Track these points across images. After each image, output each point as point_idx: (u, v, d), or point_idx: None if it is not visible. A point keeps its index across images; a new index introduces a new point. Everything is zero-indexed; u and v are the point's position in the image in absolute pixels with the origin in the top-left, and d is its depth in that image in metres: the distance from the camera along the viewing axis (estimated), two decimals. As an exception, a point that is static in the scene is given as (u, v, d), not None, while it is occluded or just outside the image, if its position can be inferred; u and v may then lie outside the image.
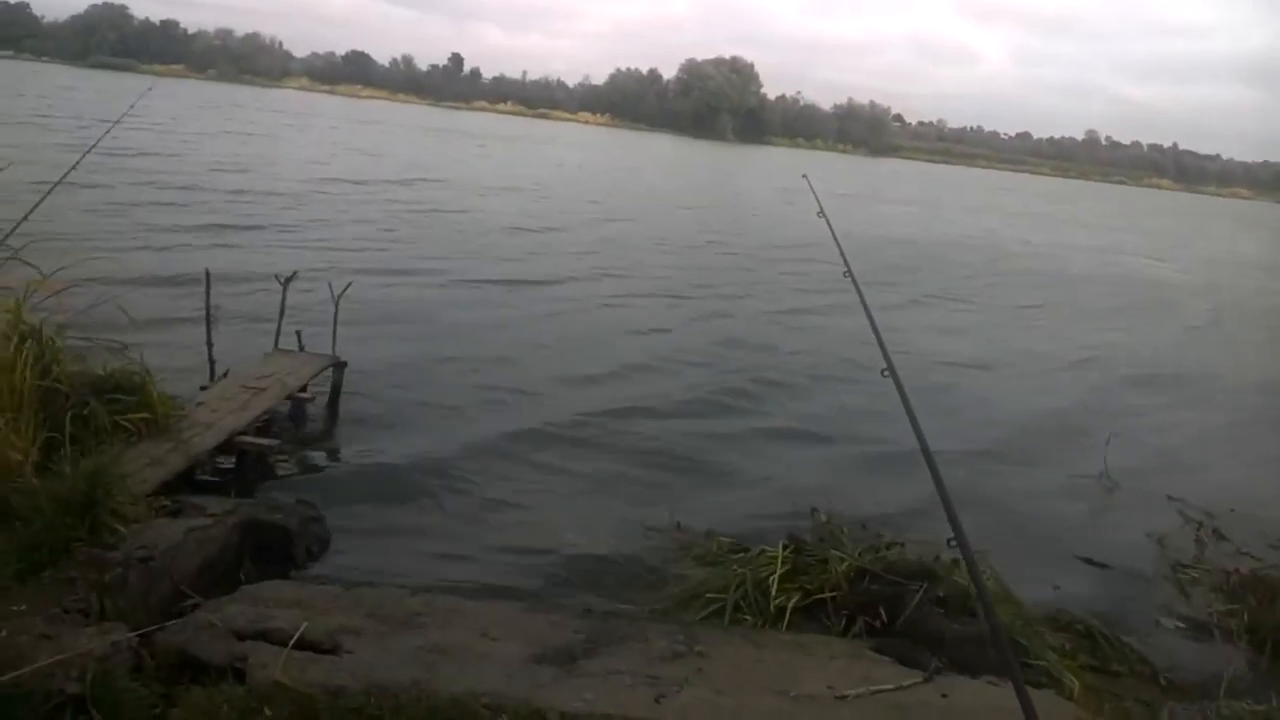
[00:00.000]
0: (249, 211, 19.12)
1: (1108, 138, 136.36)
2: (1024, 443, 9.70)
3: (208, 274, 7.96)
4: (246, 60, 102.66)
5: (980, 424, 10.15)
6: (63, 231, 13.40)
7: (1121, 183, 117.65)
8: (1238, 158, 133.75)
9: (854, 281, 4.15)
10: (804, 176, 6.64)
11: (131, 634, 3.78)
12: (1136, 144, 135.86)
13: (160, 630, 3.96)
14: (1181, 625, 5.99)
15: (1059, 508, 7.98)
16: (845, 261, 4.35)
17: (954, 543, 2.46)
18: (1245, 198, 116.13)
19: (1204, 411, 12.15)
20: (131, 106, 7.17)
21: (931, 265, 23.26)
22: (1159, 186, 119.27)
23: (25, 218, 5.32)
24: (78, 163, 6.04)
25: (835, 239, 4.83)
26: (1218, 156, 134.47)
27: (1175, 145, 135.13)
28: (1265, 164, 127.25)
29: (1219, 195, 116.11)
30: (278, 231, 17.13)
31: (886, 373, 3.35)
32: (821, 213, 5.01)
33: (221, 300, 9.80)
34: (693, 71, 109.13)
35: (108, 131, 6.22)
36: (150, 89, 8.87)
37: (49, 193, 5.62)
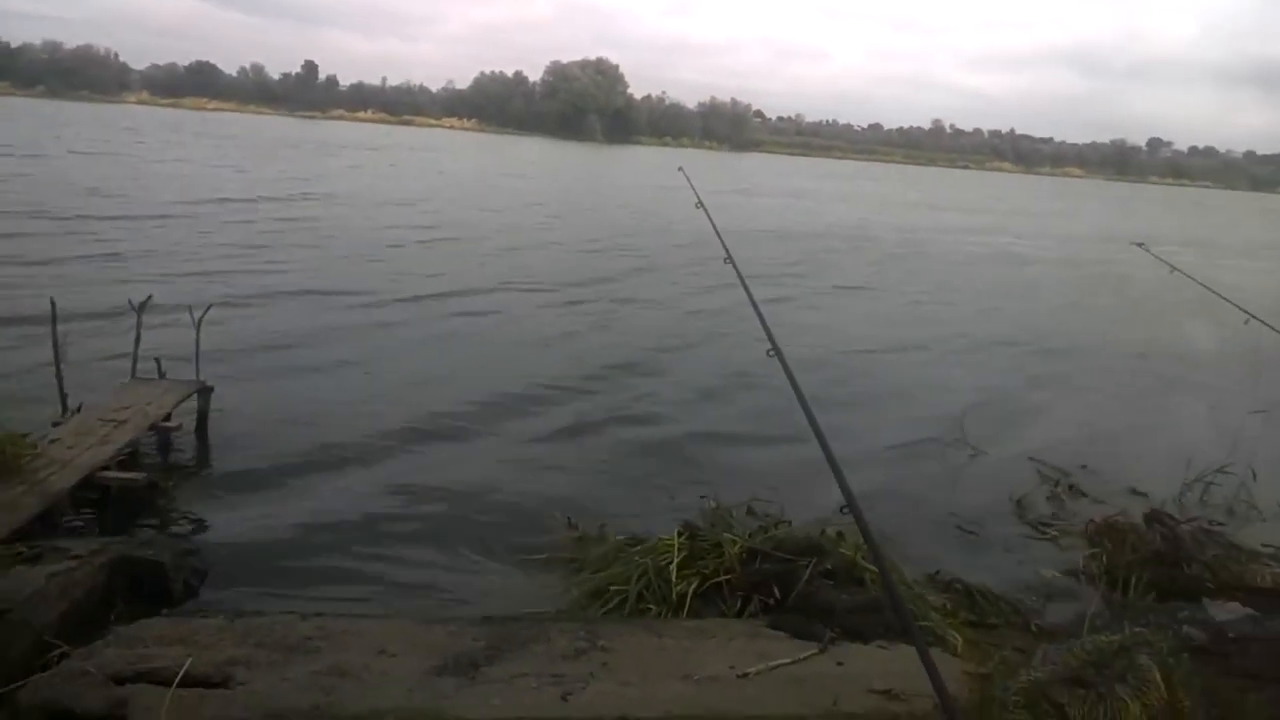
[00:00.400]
0: (116, 237, 17.81)
1: (952, 126, 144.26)
2: (899, 418, 10.14)
3: (53, 303, 7.44)
4: (79, 74, 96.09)
5: (862, 404, 10.56)
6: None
7: (966, 167, 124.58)
8: (1069, 140, 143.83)
9: (734, 266, 4.26)
10: (680, 169, 6.79)
11: (-9, 693, 3.52)
12: (978, 131, 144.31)
13: (24, 686, 3.69)
14: (1049, 575, 6.40)
15: (929, 477, 8.39)
16: (725, 249, 4.46)
17: (846, 509, 2.56)
18: (1077, 176, 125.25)
19: (1078, 380, 12.95)
20: None
21: (816, 257, 24.08)
22: (1001, 169, 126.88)
23: None
24: None
25: (715, 228, 4.95)
26: (1051, 140, 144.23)
27: (1013, 130, 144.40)
28: (1093, 145, 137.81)
29: (1054, 175, 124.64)
30: (143, 260, 15.89)
31: (772, 353, 3.45)
32: (700, 204, 5.13)
33: (85, 332, 9.28)
34: (558, 73, 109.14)
35: None
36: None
37: None
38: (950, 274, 23.28)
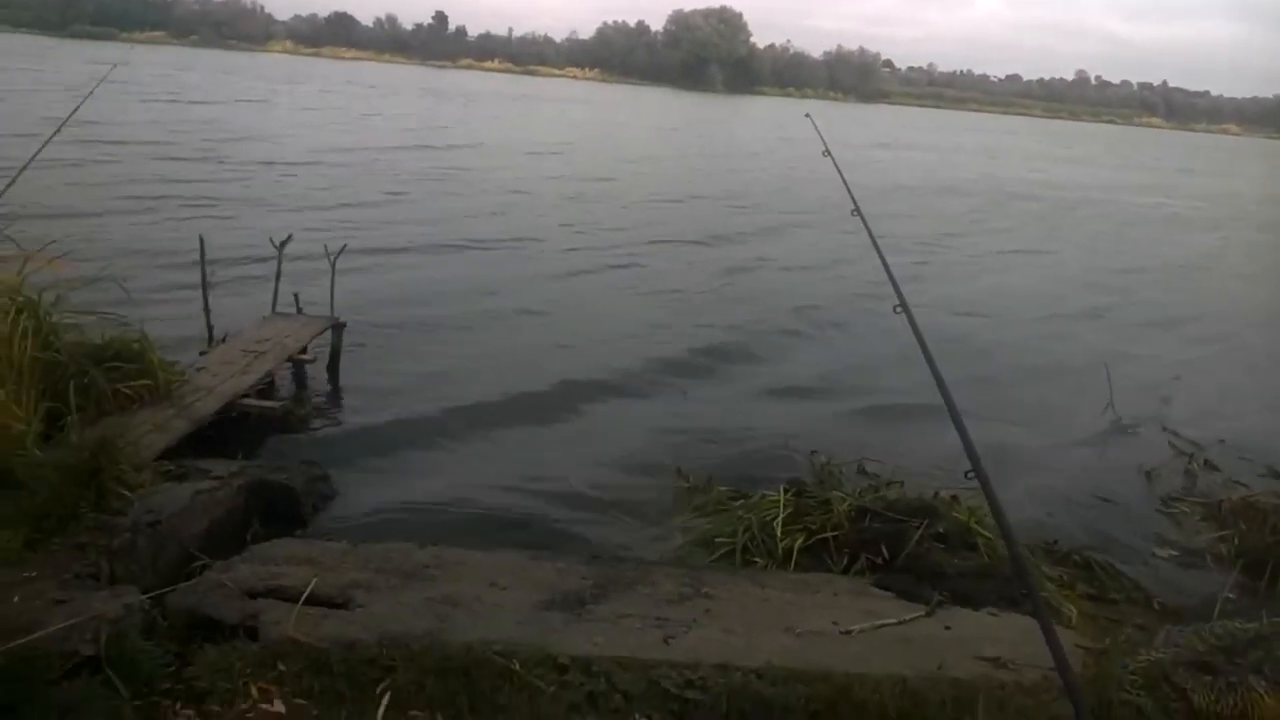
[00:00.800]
0: (273, 180, 18.61)
1: (1097, 77, 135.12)
2: (1026, 383, 9.73)
3: (201, 241, 7.91)
4: (229, 25, 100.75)
5: (981, 364, 10.19)
6: (68, 205, 13.46)
7: (1112, 122, 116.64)
8: (1227, 94, 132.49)
9: (863, 219, 4.15)
10: (807, 116, 6.64)
11: (143, 596, 3.83)
12: (1126, 83, 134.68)
13: (171, 592, 4.01)
14: (1176, 553, 6.08)
15: (1057, 443, 8.04)
16: (854, 201, 4.35)
17: (971, 474, 2.47)
18: (1235, 134, 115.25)
19: (1211, 349, 12.16)
20: (104, 79, 7.10)
21: (988, 210, 23.30)
22: (1150, 125, 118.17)
23: (7, 187, 5.30)
24: (52, 136, 6.03)
25: (843, 179, 4.83)
26: (1207, 93, 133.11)
27: (1165, 83, 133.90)
28: (1254, 99, 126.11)
29: (1209, 132, 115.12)
30: (297, 203, 16.52)
31: (899, 308, 3.35)
32: (827, 152, 5.00)
33: (236, 268, 9.76)
34: (680, 22, 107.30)
35: (80, 104, 6.21)
36: (126, 60, 8.77)
37: (26, 165, 5.60)
38: (1119, 238, 22.18)
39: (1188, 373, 10.67)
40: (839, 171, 4.91)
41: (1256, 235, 25.38)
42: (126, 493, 4.48)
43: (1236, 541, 5.99)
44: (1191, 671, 3.67)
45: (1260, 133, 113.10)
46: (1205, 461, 7.68)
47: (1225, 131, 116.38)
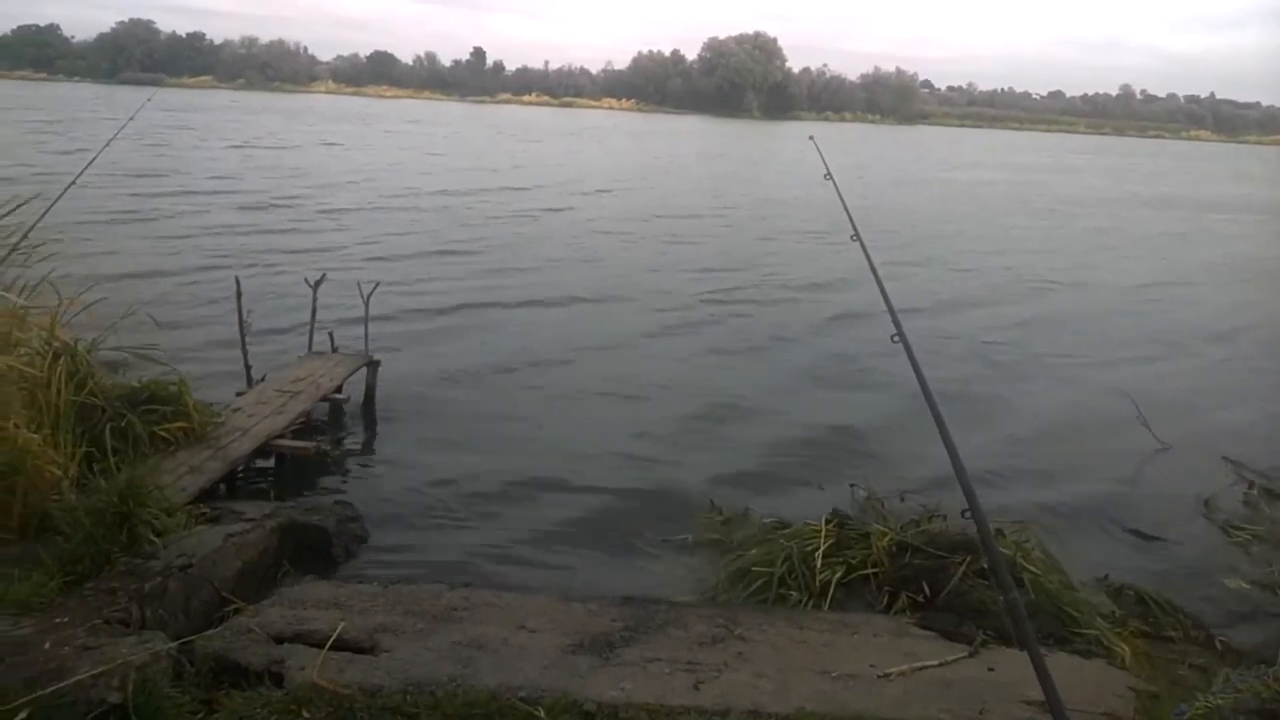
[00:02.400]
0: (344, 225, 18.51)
1: (1143, 91, 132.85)
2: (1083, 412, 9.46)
3: (238, 281, 8.00)
4: (273, 67, 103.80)
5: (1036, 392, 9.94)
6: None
7: (1159, 136, 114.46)
8: (1279, 104, 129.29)
9: (861, 243, 4.08)
10: (810, 138, 6.56)
11: (172, 643, 3.81)
12: (1173, 96, 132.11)
13: (199, 637, 3.99)
14: (1245, 586, 5.80)
15: (1110, 473, 7.77)
16: (853, 225, 4.27)
17: (968, 514, 2.38)
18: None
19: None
20: (131, 117, 7.32)
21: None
22: (1198, 138, 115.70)
23: (34, 225, 5.46)
24: (80, 173, 6.24)
25: (843, 203, 4.74)
26: (1257, 104, 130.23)
27: (1212, 95, 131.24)
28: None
29: (1262, 143, 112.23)
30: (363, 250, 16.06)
31: (896, 339, 3.27)
32: (829, 176, 4.92)
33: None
34: (715, 49, 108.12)
35: (108, 143, 6.42)
36: (150, 99, 8.98)
37: (57, 200, 5.79)
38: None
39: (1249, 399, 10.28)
40: (840, 197, 4.82)
41: None
42: (154, 539, 4.48)
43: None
44: (1254, 720, 3.45)
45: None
46: (1267, 489, 7.35)
47: (1278, 142, 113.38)
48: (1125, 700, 3.84)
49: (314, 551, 5.48)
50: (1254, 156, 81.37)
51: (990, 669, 4.08)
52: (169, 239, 15.95)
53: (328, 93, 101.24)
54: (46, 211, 5.65)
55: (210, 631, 4.06)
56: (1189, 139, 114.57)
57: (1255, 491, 7.29)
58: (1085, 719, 3.54)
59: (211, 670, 3.78)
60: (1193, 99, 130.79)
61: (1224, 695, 3.56)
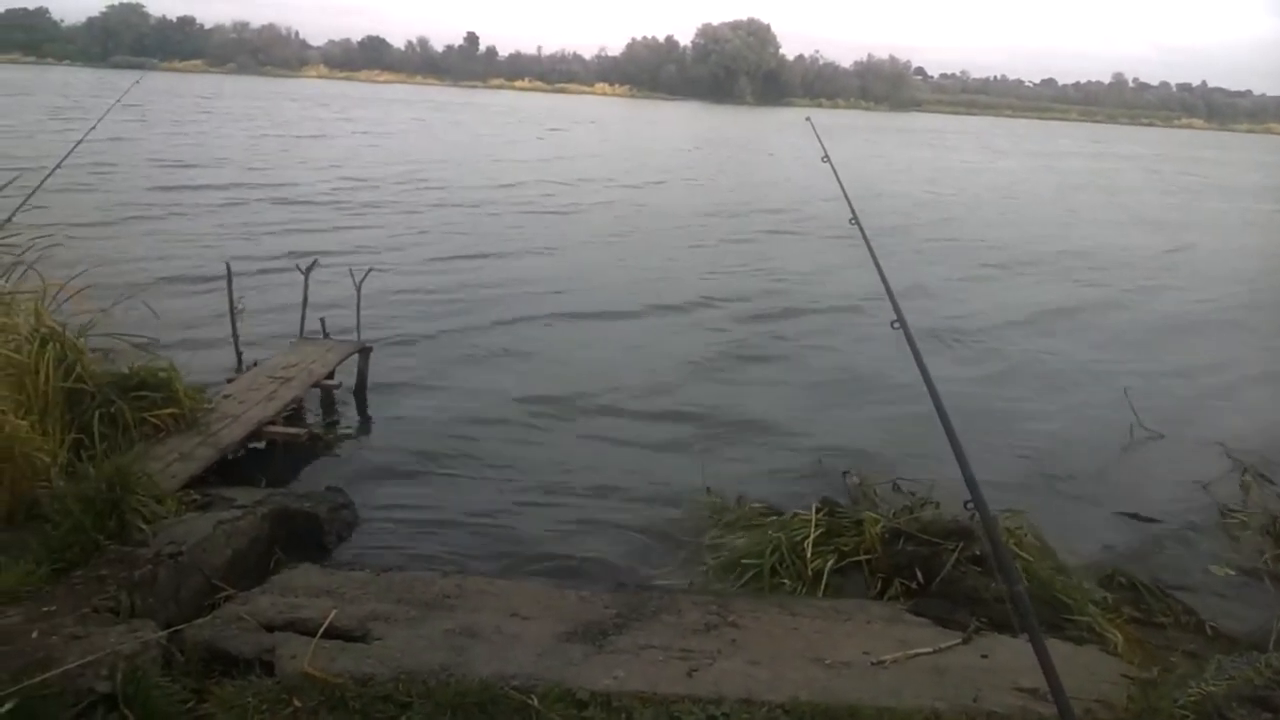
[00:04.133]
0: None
1: (1135, 79, 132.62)
2: (1075, 398, 9.48)
3: (228, 266, 7.96)
4: (264, 52, 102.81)
5: (1024, 380, 9.95)
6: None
7: (1151, 124, 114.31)
8: (1270, 93, 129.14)
9: (860, 228, 4.04)
10: (807, 119, 6.51)
11: (161, 632, 3.79)
12: (1165, 84, 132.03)
13: (189, 626, 3.96)
14: (1230, 573, 5.82)
15: (1102, 459, 7.78)
16: (852, 210, 4.24)
17: (970, 504, 2.35)
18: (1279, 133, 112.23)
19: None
20: (118, 100, 7.22)
21: None
22: (1190, 127, 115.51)
23: (18, 210, 5.39)
24: (66, 157, 6.16)
25: (841, 185, 4.71)
26: (1249, 93, 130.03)
27: (1204, 83, 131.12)
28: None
29: (1253, 132, 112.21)
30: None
31: (896, 325, 3.24)
32: (826, 158, 4.88)
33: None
34: (709, 35, 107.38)
35: (93, 127, 6.32)
36: (137, 82, 8.79)
37: (40, 184, 5.72)
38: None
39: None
40: (838, 179, 4.78)
41: None
42: (143, 526, 4.44)
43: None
44: (1248, 708, 3.45)
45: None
46: (1261, 475, 7.37)
47: (1269, 131, 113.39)
48: (1118, 687, 3.84)
49: (306, 538, 5.44)
50: (1258, 145, 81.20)
51: (984, 656, 4.08)
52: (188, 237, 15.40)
53: (319, 77, 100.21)
54: (32, 194, 5.58)
55: (200, 620, 4.02)
56: (1181, 127, 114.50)
57: (1248, 477, 7.31)
58: (1078, 705, 3.54)
59: (202, 659, 3.75)
60: (1185, 87, 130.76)
61: (1217, 682, 3.57)
